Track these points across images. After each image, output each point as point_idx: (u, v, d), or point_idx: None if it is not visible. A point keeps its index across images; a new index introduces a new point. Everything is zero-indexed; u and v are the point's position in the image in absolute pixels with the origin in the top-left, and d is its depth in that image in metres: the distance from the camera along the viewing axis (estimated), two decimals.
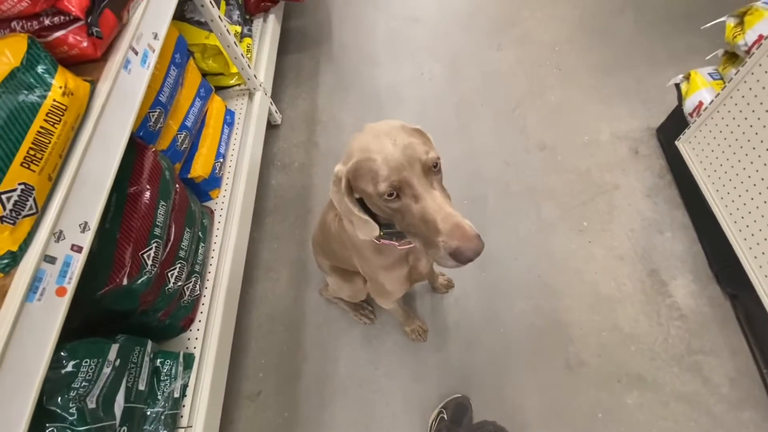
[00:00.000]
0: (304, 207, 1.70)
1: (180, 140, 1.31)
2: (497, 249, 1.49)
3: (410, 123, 0.72)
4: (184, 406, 1.13)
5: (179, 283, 1.15)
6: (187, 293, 1.21)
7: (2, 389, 0.60)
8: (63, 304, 0.71)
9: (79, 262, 0.74)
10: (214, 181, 1.44)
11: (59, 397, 0.73)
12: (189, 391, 1.14)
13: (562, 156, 1.66)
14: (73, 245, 0.74)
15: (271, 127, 1.93)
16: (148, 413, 1.03)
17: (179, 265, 1.14)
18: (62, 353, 0.74)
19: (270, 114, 1.85)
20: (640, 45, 1.90)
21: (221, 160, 1.48)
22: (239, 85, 1.69)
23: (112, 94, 0.86)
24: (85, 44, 0.83)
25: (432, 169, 0.65)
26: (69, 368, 0.75)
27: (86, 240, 0.76)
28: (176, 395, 1.10)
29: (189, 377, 1.15)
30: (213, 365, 1.20)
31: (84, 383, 0.77)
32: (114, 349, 0.85)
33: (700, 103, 1.30)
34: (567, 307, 1.36)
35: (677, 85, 1.43)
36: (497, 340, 1.34)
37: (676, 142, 1.39)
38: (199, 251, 1.28)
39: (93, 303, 0.91)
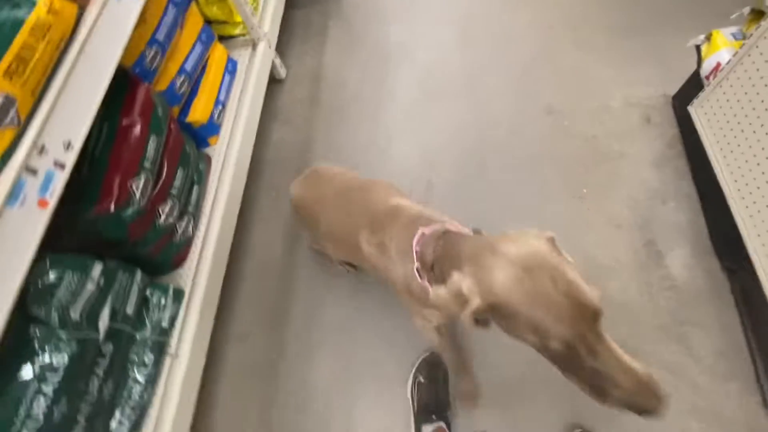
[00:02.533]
0: (304, 161, 1.71)
1: (179, 84, 1.33)
2: (493, 217, 1.46)
3: (542, 232, 0.60)
4: (171, 336, 1.19)
5: (170, 220, 1.18)
6: (180, 232, 1.25)
7: None
8: (44, 215, 0.74)
9: (61, 178, 0.77)
10: (212, 128, 1.46)
11: (42, 303, 0.78)
12: (177, 323, 1.20)
13: (569, 121, 1.60)
14: (56, 161, 0.77)
15: (275, 81, 1.92)
16: (137, 337, 1.09)
17: (171, 202, 1.18)
18: (46, 262, 0.78)
19: (274, 68, 1.85)
20: (663, 8, 1.78)
21: (221, 107, 1.49)
22: (243, 35, 1.68)
23: (99, 20, 0.86)
24: None
25: (600, 314, 0.54)
26: (51, 277, 0.79)
27: (69, 158, 0.79)
28: (164, 325, 1.16)
29: (178, 309, 1.20)
30: (201, 302, 1.25)
31: (66, 294, 0.82)
32: (98, 268, 0.90)
33: (718, 65, 1.22)
34: None
35: (698, 47, 1.34)
36: None
37: (689, 107, 1.32)
38: (193, 193, 1.32)
39: (84, 227, 0.96)
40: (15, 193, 0.69)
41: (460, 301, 0.59)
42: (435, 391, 1.19)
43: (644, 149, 1.50)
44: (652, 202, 1.41)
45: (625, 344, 1.21)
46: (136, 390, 1.06)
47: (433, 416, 1.15)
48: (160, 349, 1.14)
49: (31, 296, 0.77)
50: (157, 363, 1.12)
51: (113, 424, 1.01)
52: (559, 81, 1.70)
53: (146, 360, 1.09)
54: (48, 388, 0.76)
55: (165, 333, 1.16)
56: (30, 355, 0.77)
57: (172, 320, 1.19)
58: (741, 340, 1.19)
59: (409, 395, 1.23)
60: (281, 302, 1.46)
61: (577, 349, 0.53)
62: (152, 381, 1.10)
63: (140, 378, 1.08)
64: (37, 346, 0.77)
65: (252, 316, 1.46)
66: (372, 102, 1.81)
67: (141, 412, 1.07)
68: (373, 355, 1.32)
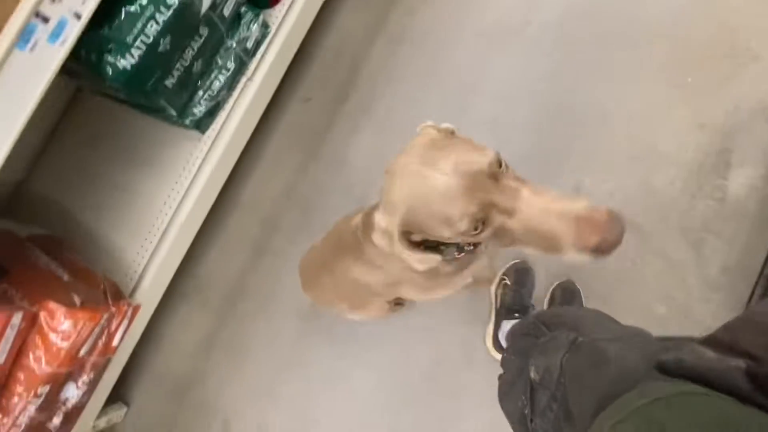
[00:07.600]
0: None
1: None
2: (578, 76, 1.39)
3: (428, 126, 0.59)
4: (251, 61, 1.35)
5: None
6: None
7: None
8: None
9: None
10: None
11: None
12: (259, 52, 1.35)
13: (720, 3, 1.36)
14: None
15: None
16: (226, 42, 1.25)
17: None
18: None
19: None
20: None
21: None
22: None
23: None
24: None
25: (500, 172, 0.51)
26: None
27: None
28: (249, 45, 1.31)
29: (263, 38, 1.34)
30: (282, 43, 1.37)
31: None
32: None
33: None
34: (605, 142, 1.32)
35: None
36: (520, 143, 1.37)
37: None
38: None
39: None
40: None
41: (388, 238, 0.58)
42: (520, 295, 1.21)
43: None
44: (755, 115, 1.26)
45: (640, 226, 1.24)
46: (216, 84, 1.27)
47: (516, 314, 1.17)
48: (240, 65, 1.31)
49: None
50: (236, 74, 1.31)
51: (195, 98, 1.24)
52: None
53: (228, 65, 1.27)
54: (160, 18, 0.94)
55: (247, 53, 1.32)
56: None
57: (256, 45, 1.34)
58: (755, 267, 1.18)
59: (492, 293, 1.26)
60: (345, 85, 1.58)
61: (492, 218, 0.50)
62: (229, 86, 1.30)
63: (221, 78, 1.28)
64: None
65: (318, 84, 1.60)
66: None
67: (216, 105, 1.30)
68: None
